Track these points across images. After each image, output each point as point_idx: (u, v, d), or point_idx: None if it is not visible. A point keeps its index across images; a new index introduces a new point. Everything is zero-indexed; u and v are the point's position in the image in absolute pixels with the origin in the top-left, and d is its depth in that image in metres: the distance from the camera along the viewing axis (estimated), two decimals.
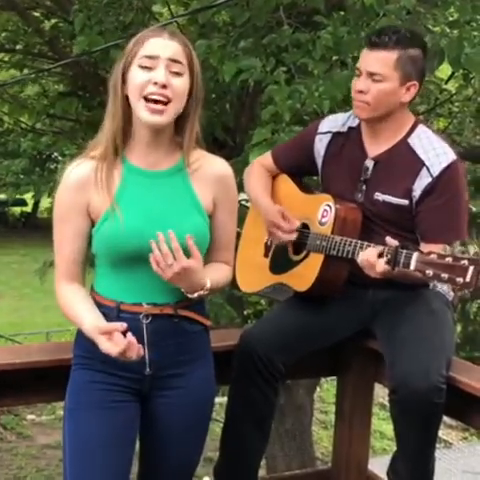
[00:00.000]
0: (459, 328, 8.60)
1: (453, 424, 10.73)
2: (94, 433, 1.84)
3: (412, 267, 1.95)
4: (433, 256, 1.91)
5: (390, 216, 2.28)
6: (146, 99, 1.78)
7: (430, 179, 2.20)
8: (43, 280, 5.19)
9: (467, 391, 2.12)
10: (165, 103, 1.78)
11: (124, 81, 1.82)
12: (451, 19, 4.19)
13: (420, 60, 2.24)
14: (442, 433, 10.24)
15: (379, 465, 2.84)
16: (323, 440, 10.45)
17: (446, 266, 1.89)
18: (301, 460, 6.91)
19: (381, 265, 2.03)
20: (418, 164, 2.22)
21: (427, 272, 1.91)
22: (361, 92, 2.23)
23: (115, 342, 1.73)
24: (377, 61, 2.20)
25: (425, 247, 2.17)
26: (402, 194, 2.24)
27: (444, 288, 2.29)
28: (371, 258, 2.06)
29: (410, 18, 4.07)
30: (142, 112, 1.79)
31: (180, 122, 1.86)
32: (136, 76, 1.80)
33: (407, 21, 3.94)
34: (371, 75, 2.20)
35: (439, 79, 6.41)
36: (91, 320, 1.80)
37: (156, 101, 1.78)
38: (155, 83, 1.77)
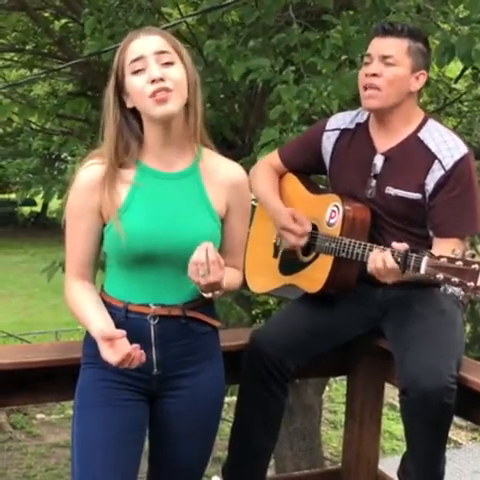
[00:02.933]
0: (468, 328, 8.58)
1: (463, 424, 10.70)
2: (101, 431, 1.83)
3: (422, 271, 1.94)
4: (443, 260, 1.90)
5: (401, 211, 2.26)
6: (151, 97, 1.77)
7: (443, 172, 2.19)
8: (51, 280, 5.19)
9: (477, 391, 2.11)
10: (167, 90, 1.76)
11: (122, 97, 1.81)
12: (461, 16, 4.16)
13: (427, 55, 2.29)
14: (452, 433, 10.21)
15: (389, 465, 2.84)
16: (332, 440, 10.43)
17: (457, 270, 1.88)
18: (310, 460, 6.89)
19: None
20: (430, 158, 2.21)
21: (437, 276, 1.90)
22: (374, 75, 2.23)
23: (116, 350, 1.72)
24: (392, 46, 2.23)
25: (439, 242, 2.16)
26: (415, 188, 2.23)
27: (454, 287, 2.28)
28: (378, 264, 2.04)
29: (420, 16, 4.05)
30: (152, 109, 1.77)
31: (185, 112, 1.83)
32: (134, 83, 1.78)
33: (417, 19, 3.92)
34: (385, 58, 2.22)
35: (448, 78, 6.39)
36: (98, 325, 1.78)
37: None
38: (152, 81, 1.75)
